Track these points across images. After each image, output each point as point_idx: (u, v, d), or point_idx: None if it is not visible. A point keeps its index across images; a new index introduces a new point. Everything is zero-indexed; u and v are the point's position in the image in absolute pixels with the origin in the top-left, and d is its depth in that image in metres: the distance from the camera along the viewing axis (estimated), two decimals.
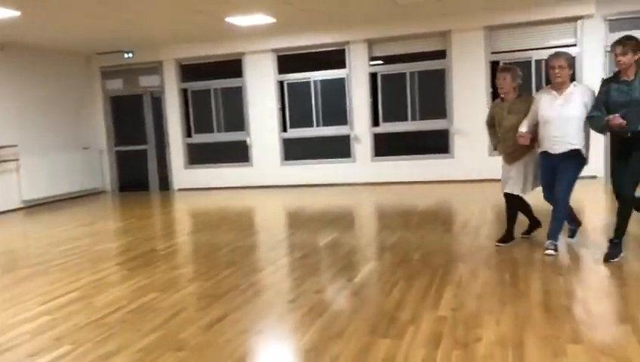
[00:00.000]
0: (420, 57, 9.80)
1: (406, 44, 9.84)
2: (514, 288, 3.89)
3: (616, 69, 4.32)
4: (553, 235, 4.73)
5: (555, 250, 4.68)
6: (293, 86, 10.63)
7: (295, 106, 10.66)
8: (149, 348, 3.17)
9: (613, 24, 8.54)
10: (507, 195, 5.12)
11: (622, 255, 4.40)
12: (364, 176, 10.11)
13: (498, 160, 5.26)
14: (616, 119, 4.12)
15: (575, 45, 8.77)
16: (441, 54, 9.65)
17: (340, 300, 3.90)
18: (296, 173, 10.53)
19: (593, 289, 3.96)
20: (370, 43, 9.97)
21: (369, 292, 4.07)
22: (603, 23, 8.63)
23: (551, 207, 4.80)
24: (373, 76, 10.13)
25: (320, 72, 10.41)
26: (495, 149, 5.27)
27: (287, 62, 10.54)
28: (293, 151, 10.71)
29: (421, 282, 4.13)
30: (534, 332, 3.08)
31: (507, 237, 5.17)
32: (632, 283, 3.88)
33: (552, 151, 4.65)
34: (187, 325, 3.52)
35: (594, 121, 4.41)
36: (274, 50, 10.41)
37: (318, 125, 10.52)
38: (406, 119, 10.00)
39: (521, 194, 5.03)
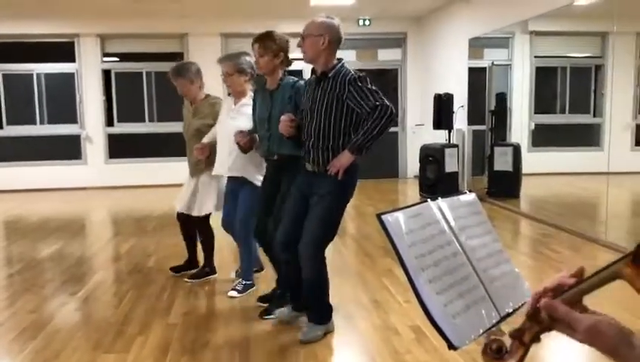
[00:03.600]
0: (160, 58, 9.56)
1: (143, 42, 9.51)
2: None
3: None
4: (242, 273, 3.98)
5: (241, 291, 3.85)
6: (9, 78, 9.37)
7: (16, 102, 9.41)
8: None
9: None
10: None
11: (281, 310, 3.40)
12: (97, 180, 9.43)
13: None
14: (238, 136, 3.42)
15: (303, 60, 9.54)
16: (179, 56, 9.56)
17: (60, 318, 3.55)
18: (16, 176, 9.30)
19: None
20: (103, 38, 9.36)
21: (95, 306, 3.80)
22: None
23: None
24: (107, 73, 9.54)
25: (45, 64, 9.39)
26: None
27: (7, 51, 9.26)
28: (13, 151, 9.43)
29: (154, 290, 4.01)
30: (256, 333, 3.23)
31: (191, 265, 4.38)
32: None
33: (222, 173, 3.81)
34: None
35: None
36: None
37: (42, 123, 9.47)
38: (144, 120, 9.65)
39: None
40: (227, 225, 3.93)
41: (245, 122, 3.56)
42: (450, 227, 1.51)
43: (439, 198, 1.56)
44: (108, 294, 4.03)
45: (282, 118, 3.08)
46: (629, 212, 7.37)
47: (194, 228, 4.31)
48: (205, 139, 3.93)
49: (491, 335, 1.04)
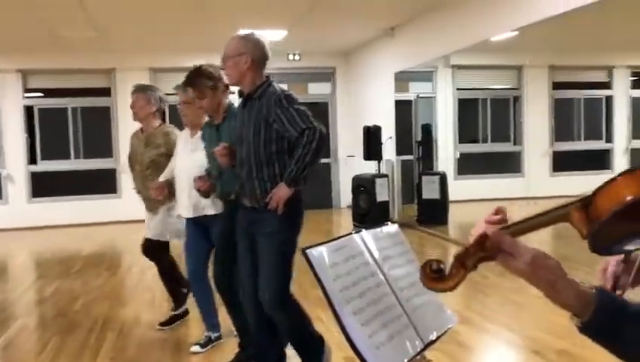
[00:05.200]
0: (86, 93, 9.32)
1: (68, 77, 9.24)
2: (171, 330, 3.94)
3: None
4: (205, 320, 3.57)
5: (203, 345, 3.46)
6: None
7: None
8: None
9: None
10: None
11: None
12: (19, 220, 8.96)
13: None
14: (198, 183, 3.06)
15: (233, 93, 9.57)
16: (107, 91, 9.36)
17: None
18: None
19: None
20: (25, 73, 9.05)
21: (16, 354, 3.59)
22: None
23: None
24: (29, 110, 9.19)
25: None
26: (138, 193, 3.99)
27: None
28: None
29: (79, 334, 3.83)
30: None
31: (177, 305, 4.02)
32: None
33: (184, 215, 3.43)
34: None
35: None
36: None
37: None
38: (69, 157, 9.33)
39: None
40: (197, 278, 3.45)
41: (204, 154, 3.21)
42: (374, 258, 1.57)
43: (363, 230, 1.62)
44: (30, 341, 3.82)
45: (216, 149, 2.81)
46: (549, 236, 7.76)
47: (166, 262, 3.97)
48: (162, 178, 3.59)
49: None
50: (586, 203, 0.83)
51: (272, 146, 2.68)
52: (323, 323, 3.85)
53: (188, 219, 3.39)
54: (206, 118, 3.23)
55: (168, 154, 3.66)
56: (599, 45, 8.64)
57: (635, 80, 9.63)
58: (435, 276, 0.98)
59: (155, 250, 3.87)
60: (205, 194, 3.10)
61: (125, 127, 9.31)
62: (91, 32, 7.52)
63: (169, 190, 3.52)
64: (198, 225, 3.35)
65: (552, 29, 6.31)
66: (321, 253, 1.41)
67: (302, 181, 2.67)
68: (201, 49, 8.90)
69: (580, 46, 8.46)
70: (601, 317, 0.83)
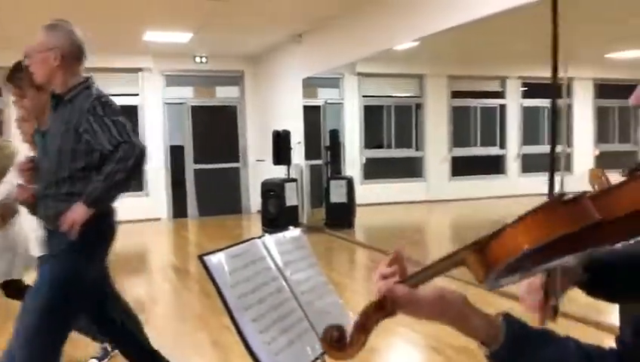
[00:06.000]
0: None
1: None
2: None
3: None
4: None
5: (101, 358, 3.21)
6: None
7: None
8: None
9: (169, 79, 9.40)
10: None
11: None
12: None
13: None
14: (21, 193, 2.50)
15: (137, 95, 9.26)
16: None
17: None
18: None
19: None
20: None
21: None
22: (161, 76, 9.39)
23: None
24: None
25: None
26: None
27: None
28: None
29: None
30: None
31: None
32: None
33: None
34: None
35: None
36: None
37: None
38: None
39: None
40: None
41: None
42: (276, 263, 1.56)
43: (266, 235, 1.61)
44: None
45: (20, 162, 2.43)
46: (447, 235, 8.15)
47: None
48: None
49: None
50: (481, 247, 0.82)
51: (78, 161, 2.23)
52: (230, 332, 3.79)
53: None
54: None
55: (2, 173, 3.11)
56: (494, 57, 9.20)
57: (525, 90, 10.34)
58: (336, 345, 0.93)
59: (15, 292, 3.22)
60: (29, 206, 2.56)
61: None
62: None
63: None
64: None
65: (451, 40, 6.65)
66: (219, 259, 1.39)
67: (106, 202, 2.26)
68: (101, 51, 8.52)
69: (476, 57, 8.96)
70: (509, 346, 0.84)
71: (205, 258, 1.34)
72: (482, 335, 0.85)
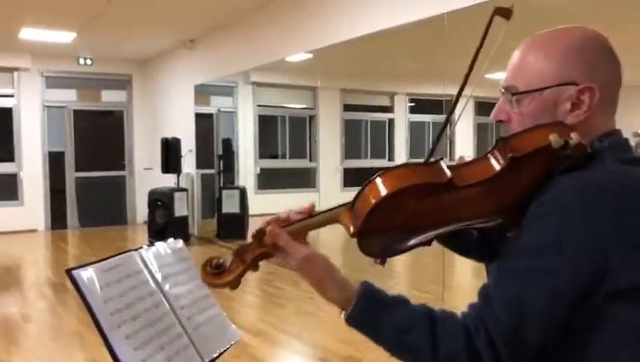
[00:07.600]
0: None
1: None
2: None
3: None
4: None
5: None
6: None
7: None
8: None
9: (50, 80, 8.79)
10: None
11: None
12: None
13: None
14: None
15: (13, 96, 8.57)
16: None
17: None
18: None
19: None
20: None
21: None
22: (40, 77, 8.76)
23: None
24: None
25: None
26: None
27: None
28: None
29: None
30: None
31: None
32: None
33: None
34: None
35: None
36: None
37: None
38: None
39: None
40: None
41: None
42: (154, 277, 1.47)
43: (143, 247, 1.52)
44: None
45: None
46: (337, 246, 8.29)
47: None
48: None
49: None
50: (352, 203, 0.88)
51: None
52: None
53: None
54: None
55: None
56: (384, 73, 9.56)
57: (412, 105, 10.84)
58: (214, 271, 1.02)
59: None
60: None
61: None
62: None
63: None
64: None
65: (343, 54, 6.81)
66: (90, 274, 1.28)
67: None
68: None
69: (367, 72, 9.25)
70: (362, 308, 0.88)
71: (74, 272, 1.24)
72: (340, 299, 0.91)
